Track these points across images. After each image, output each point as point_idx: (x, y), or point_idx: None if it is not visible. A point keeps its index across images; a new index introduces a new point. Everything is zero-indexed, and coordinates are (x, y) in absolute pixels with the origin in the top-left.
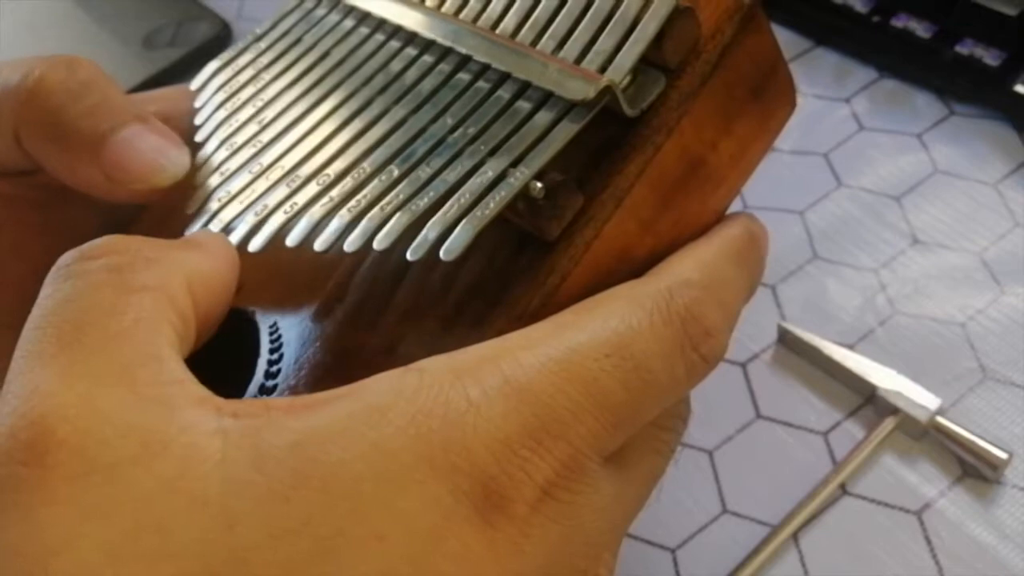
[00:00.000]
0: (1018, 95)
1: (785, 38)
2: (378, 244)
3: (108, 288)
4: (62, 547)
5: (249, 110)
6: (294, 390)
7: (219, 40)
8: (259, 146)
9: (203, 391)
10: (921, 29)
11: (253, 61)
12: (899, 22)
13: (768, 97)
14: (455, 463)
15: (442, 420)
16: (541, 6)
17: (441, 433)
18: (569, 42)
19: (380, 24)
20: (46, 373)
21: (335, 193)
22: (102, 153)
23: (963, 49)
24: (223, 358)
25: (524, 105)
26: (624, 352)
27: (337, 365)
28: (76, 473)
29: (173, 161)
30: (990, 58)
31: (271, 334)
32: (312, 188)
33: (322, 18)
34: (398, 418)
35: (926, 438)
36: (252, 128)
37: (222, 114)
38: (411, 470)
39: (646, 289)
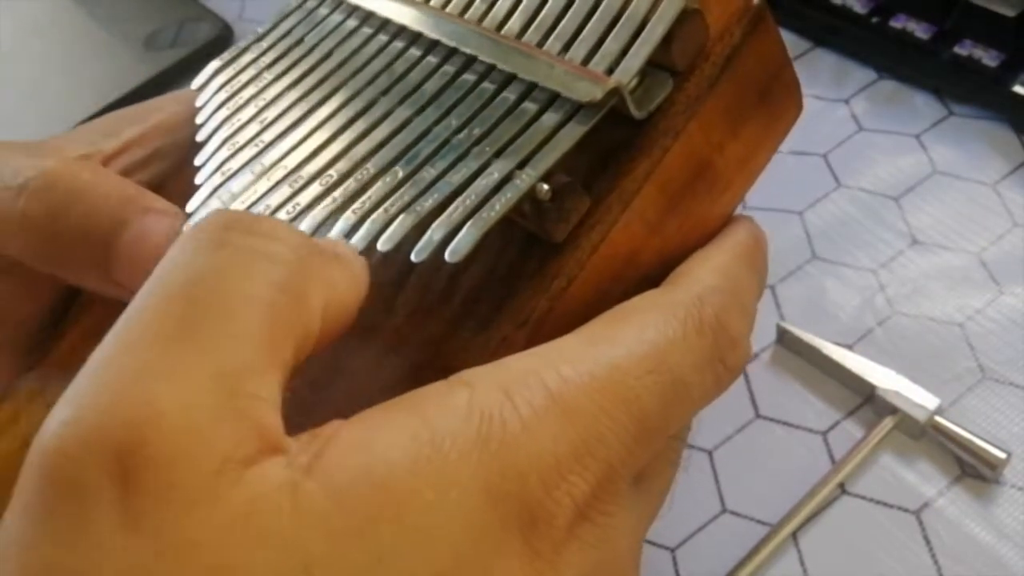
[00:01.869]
0: (1016, 96)
1: (785, 38)
2: (382, 246)
3: (252, 276)
4: None
5: (251, 109)
6: (297, 391)
7: (220, 41)
8: (261, 145)
9: (278, 420)
10: (920, 30)
11: (255, 61)
12: (898, 23)
13: (775, 100)
14: (509, 491)
15: (500, 444)
16: (547, 7)
17: (499, 459)
18: (576, 43)
19: (384, 24)
20: (153, 366)
21: (338, 194)
22: (113, 261)
23: (962, 50)
24: None
25: (530, 106)
26: (662, 367)
27: (339, 368)
28: (158, 500)
29: None
30: (989, 59)
31: None
32: (315, 189)
33: (325, 18)
34: (461, 443)
35: (925, 438)
36: (254, 128)
37: (223, 113)
38: (471, 500)
39: (677, 298)
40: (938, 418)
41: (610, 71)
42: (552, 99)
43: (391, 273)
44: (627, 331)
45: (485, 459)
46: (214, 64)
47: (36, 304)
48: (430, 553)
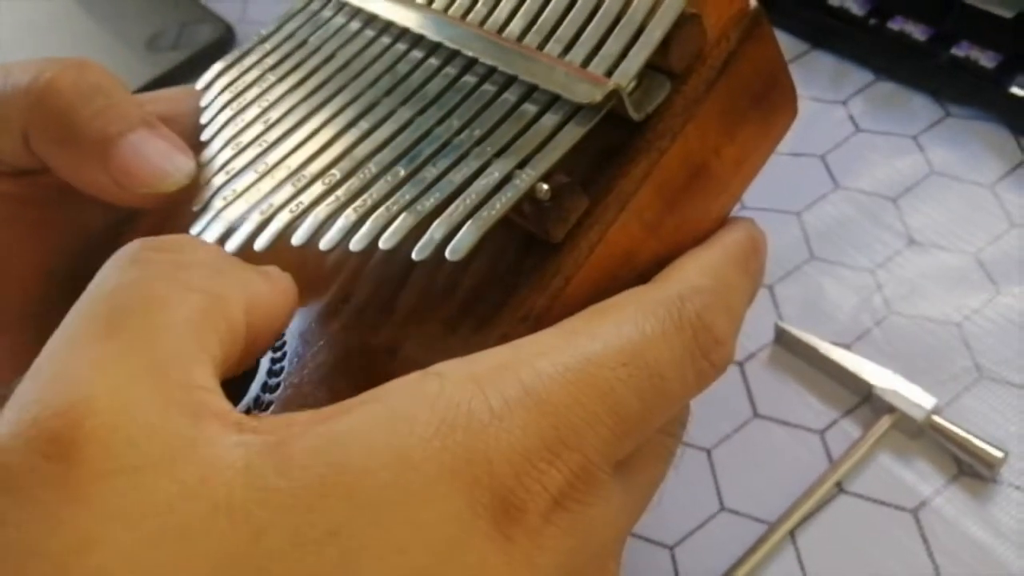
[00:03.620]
0: (1014, 97)
1: (782, 40)
2: (384, 244)
3: (169, 281)
4: (82, 549)
5: (255, 110)
6: (297, 388)
7: (222, 43)
8: (264, 145)
9: (227, 404)
10: (917, 32)
11: (259, 62)
12: (895, 25)
13: (770, 104)
14: (476, 475)
15: (465, 431)
16: (548, 10)
17: (464, 445)
18: (576, 46)
19: (386, 27)
20: (82, 360)
21: (341, 193)
22: (109, 157)
23: (959, 51)
24: None
25: (530, 108)
26: (639, 361)
27: (340, 365)
28: (100, 472)
29: (179, 167)
30: (986, 60)
31: None
32: (318, 187)
33: (328, 20)
34: (422, 428)
35: (922, 437)
36: (258, 128)
37: (227, 114)
38: (434, 482)
39: (657, 295)
40: (935, 417)
41: (609, 73)
42: (552, 101)
43: (392, 272)
44: (605, 326)
45: (448, 444)
46: (218, 65)
47: (37, 262)
48: (385, 530)
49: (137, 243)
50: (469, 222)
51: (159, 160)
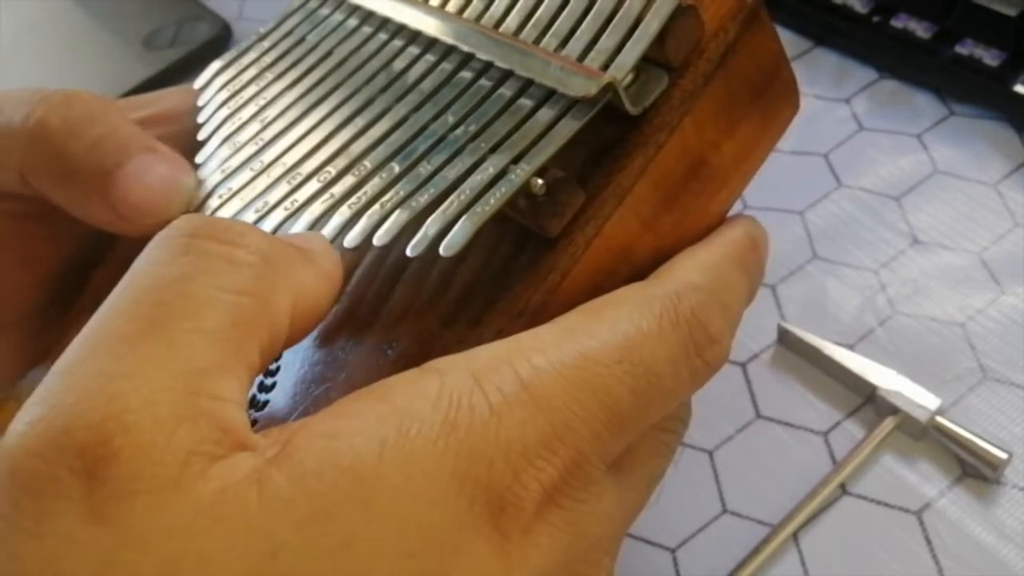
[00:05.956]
0: (1017, 95)
1: (785, 38)
2: (378, 240)
3: (222, 279)
4: (99, 574)
5: (251, 108)
6: (292, 387)
7: (219, 41)
8: (261, 144)
9: (245, 418)
10: (921, 29)
11: (256, 60)
12: (899, 22)
13: (771, 98)
14: (476, 475)
15: (467, 430)
16: (544, 5)
17: (467, 444)
18: (572, 40)
19: (383, 23)
20: (120, 363)
21: (336, 190)
22: (110, 190)
23: (963, 49)
24: None
25: (526, 102)
26: (634, 357)
27: (335, 362)
28: (124, 493)
29: (182, 188)
30: (990, 58)
31: None
32: (313, 185)
33: (326, 18)
34: (428, 428)
35: (926, 438)
36: (254, 126)
37: (225, 112)
38: (439, 484)
39: (654, 292)
40: (939, 418)
41: (605, 67)
42: (548, 95)
43: (387, 268)
44: (601, 322)
45: (452, 444)
46: (216, 64)
47: (38, 271)
48: (399, 536)
49: (190, 225)
50: (463, 218)
51: (162, 186)
